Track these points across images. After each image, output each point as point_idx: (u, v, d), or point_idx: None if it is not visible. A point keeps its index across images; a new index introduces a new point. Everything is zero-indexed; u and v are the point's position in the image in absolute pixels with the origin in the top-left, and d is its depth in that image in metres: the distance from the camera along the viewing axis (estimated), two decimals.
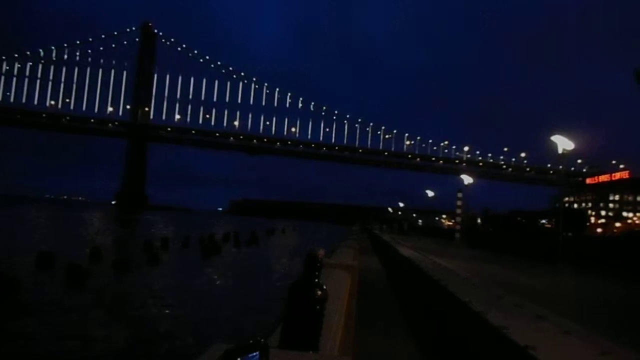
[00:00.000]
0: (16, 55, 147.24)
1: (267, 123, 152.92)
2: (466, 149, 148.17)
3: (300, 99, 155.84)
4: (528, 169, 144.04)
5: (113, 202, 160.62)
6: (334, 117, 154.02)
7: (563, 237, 20.11)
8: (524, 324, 4.15)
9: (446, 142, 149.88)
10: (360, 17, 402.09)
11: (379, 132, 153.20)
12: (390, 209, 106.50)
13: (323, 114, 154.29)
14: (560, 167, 37.63)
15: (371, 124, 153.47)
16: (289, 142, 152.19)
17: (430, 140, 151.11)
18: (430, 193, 55.68)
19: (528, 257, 20.24)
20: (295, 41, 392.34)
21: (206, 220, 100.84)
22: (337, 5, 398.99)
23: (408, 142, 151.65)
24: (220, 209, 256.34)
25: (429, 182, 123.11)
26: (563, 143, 20.50)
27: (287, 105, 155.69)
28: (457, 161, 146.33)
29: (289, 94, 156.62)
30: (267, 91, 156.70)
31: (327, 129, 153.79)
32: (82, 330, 11.17)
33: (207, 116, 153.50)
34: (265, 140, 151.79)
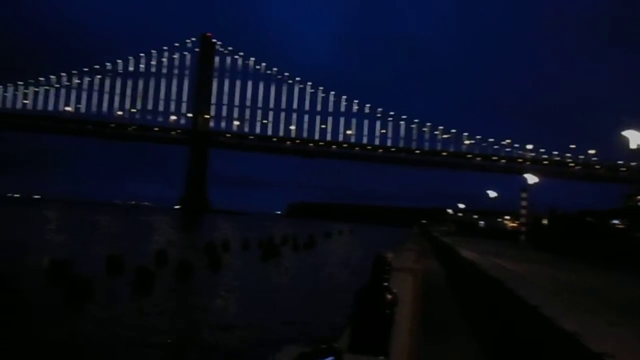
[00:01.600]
0: (85, 69, 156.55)
1: (323, 126, 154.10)
2: (530, 147, 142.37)
3: (355, 101, 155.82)
4: (597, 166, 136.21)
5: (177, 207, 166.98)
6: (390, 119, 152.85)
7: (637, 239, 18.89)
8: (598, 330, 3.93)
9: (508, 141, 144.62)
10: (412, 16, 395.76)
11: (436, 132, 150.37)
12: (450, 211, 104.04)
13: (378, 115, 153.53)
14: (633, 163, 35.39)
15: (428, 124, 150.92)
16: (345, 145, 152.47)
17: (491, 139, 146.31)
18: (492, 194, 54.02)
19: (598, 260, 19.14)
20: (347, 44, 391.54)
21: (264, 223, 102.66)
22: (388, 6, 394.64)
23: (467, 142, 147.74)
24: (279, 212, 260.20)
25: (491, 182, 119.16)
26: (636, 138, 19.30)
27: (342, 108, 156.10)
28: (520, 160, 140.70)
29: (344, 97, 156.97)
30: (323, 95, 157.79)
31: (383, 131, 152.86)
32: (151, 332, 11.65)
33: (265, 121, 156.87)
34: (321, 143, 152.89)
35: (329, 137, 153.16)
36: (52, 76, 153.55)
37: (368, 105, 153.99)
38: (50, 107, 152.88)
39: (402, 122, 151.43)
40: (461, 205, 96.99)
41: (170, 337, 11.35)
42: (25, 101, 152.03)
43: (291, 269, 27.56)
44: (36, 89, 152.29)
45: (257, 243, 36.85)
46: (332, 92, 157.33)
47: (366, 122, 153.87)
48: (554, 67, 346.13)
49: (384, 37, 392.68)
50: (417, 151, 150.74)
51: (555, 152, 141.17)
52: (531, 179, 35.47)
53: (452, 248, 18.88)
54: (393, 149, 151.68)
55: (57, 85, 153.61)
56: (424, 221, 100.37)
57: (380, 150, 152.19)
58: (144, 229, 56.29)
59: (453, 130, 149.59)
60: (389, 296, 2.82)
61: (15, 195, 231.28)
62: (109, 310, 13.42)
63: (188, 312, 14.21)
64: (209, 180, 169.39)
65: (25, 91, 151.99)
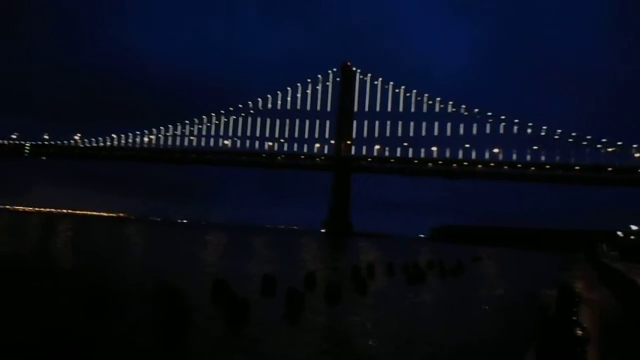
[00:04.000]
0: (240, 105, 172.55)
1: (467, 146, 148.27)
2: None
3: (502, 117, 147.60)
4: None
5: (322, 230, 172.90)
6: (542, 134, 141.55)
7: None
8: None
9: None
10: (546, 29, 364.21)
11: (598, 146, 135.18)
12: (620, 233, 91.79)
13: (529, 131, 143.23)
14: None
15: (588, 137, 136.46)
16: (492, 164, 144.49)
17: None
18: None
19: None
20: (485, 61, 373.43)
21: (408, 247, 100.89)
22: (521, 21, 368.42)
23: (638, 155, 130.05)
24: (422, 235, 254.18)
25: None
26: None
27: (488, 128, 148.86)
28: None
29: (489, 113, 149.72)
30: (465, 113, 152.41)
31: (535, 147, 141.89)
32: (311, 351, 11.83)
33: (405, 144, 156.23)
34: (465, 163, 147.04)
35: (473, 156, 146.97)
36: (212, 114, 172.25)
37: (516, 121, 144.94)
38: (212, 143, 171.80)
39: (556, 137, 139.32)
40: (634, 227, 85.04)
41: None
42: (191, 137, 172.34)
43: (440, 295, 26.40)
44: (200, 127, 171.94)
45: (402, 267, 36.14)
46: (476, 110, 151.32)
47: (515, 139, 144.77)
48: None
49: (519, 51, 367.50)
50: (577, 167, 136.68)
51: None
52: None
53: (627, 276, 16.38)
54: (547, 166, 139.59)
55: (217, 122, 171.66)
56: (589, 245, 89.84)
57: (533, 168, 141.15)
58: (292, 252, 58.94)
59: (619, 143, 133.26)
60: (579, 332, 2.34)
61: (184, 221, 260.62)
62: (264, 328, 14.06)
63: (338, 339, 14.25)
64: (352, 203, 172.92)
65: (191, 129, 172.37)
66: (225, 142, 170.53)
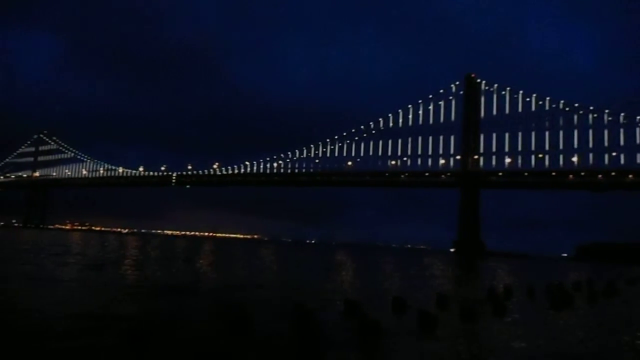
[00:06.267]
0: (361, 127, 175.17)
1: (614, 154, 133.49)
2: None
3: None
4: None
5: (452, 250, 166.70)
6: None
7: None
8: None
9: None
10: None
11: None
12: None
13: None
14: None
15: None
16: None
17: None
18: None
19: None
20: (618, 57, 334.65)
21: (549, 267, 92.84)
22: None
23: None
24: (565, 254, 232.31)
25: None
26: None
27: (638, 133, 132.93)
28: None
29: (638, 117, 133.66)
30: (610, 119, 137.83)
31: None
32: None
33: (540, 155, 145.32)
34: (613, 173, 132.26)
35: (622, 164, 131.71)
36: (335, 137, 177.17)
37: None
38: (336, 165, 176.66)
39: None
40: None
41: None
42: (316, 161, 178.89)
43: (594, 322, 23.75)
44: (324, 150, 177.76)
45: (544, 289, 33.25)
46: (622, 114, 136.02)
47: None
48: None
49: None
50: None
51: None
52: None
53: None
54: None
55: (340, 145, 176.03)
56: None
57: None
58: (420, 272, 57.59)
59: None
60: None
61: (313, 241, 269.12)
62: (395, 349, 13.87)
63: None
64: (484, 221, 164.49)
65: (316, 152, 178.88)
66: (349, 163, 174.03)
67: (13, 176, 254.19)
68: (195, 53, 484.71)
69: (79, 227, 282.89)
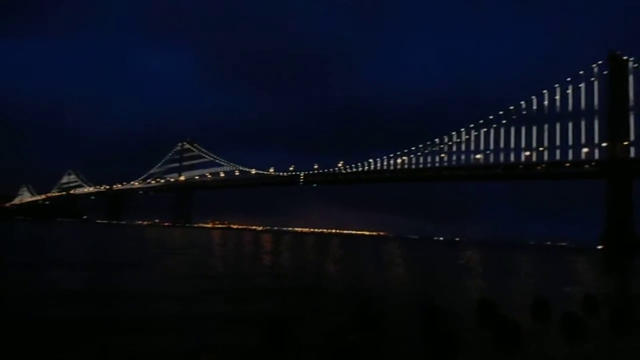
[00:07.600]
0: (490, 117, 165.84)
1: None
2: None
3: None
4: None
5: (599, 247, 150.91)
6: None
7: None
8: None
9: None
10: None
11: None
12: None
13: None
14: None
15: None
16: None
17: None
18: None
19: None
20: None
21: None
22: None
23: None
24: None
25: None
26: None
27: None
28: None
29: None
30: None
31: None
32: None
33: None
34: None
35: None
36: (462, 129, 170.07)
37: None
38: (463, 158, 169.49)
39: None
40: None
41: None
42: (441, 155, 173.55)
43: None
44: (449, 144, 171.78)
45: None
46: None
47: None
48: None
49: None
50: None
51: None
52: None
53: None
54: None
55: (467, 137, 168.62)
56: None
57: None
58: (564, 271, 53.09)
59: None
60: None
61: (440, 238, 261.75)
62: (538, 355, 12.96)
63: None
64: (636, 214, 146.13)
65: (441, 147, 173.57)
66: (477, 156, 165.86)
67: (162, 180, 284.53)
68: (325, 55, 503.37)
69: (219, 225, 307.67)
